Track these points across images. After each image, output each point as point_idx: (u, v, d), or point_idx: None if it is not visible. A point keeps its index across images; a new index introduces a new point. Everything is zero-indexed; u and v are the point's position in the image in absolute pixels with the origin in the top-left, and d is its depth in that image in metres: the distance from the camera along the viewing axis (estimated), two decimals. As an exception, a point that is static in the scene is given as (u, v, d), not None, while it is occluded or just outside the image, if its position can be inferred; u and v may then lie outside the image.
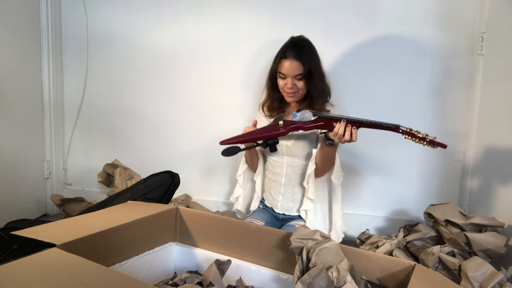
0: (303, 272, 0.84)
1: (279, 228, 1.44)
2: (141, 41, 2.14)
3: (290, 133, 1.45)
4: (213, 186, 2.11)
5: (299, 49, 1.39)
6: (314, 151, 1.39)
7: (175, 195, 1.93)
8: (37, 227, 0.93)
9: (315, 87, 1.40)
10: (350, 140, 1.24)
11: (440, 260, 1.28)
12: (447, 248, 1.34)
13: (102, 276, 0.67)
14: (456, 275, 1.20)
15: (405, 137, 1.22)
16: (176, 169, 1.55)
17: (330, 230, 1.47)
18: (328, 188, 1.48)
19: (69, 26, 2.27)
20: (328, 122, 1.27)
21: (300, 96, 1.43)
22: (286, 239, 0.96)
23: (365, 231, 1.69)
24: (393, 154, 1.83)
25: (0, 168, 1.95)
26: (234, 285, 1.03)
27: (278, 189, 1.51)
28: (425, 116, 1.78)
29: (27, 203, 2.15)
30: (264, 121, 1.50)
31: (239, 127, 1.51)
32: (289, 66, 1.37)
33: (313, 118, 1.29)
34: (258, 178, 1.57)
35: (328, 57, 1.79)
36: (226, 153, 1.32)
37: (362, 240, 1.64)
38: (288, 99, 1.44)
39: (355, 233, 1.76)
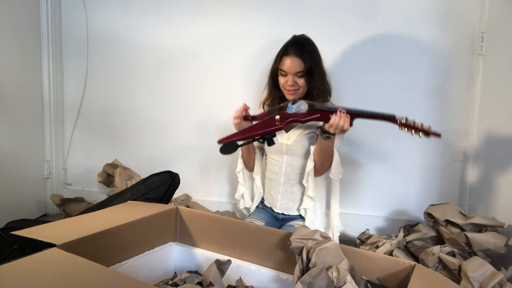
0: (303, 272, 0.84)
1: (279, 228, 1.44)
2: (141, 41, 2.14)
3: (291, 131, 1.47)
4: (213, 186, 2.11)
5: (300, 46, 1.40)
6: (312, 148, 1.39)
7: (175, 195, 1.93)
8: (37, 227, 0.93)
9: (316, 85, 1.40)
10: (344, 129, 1.24)
11: (440, 260, 1.28)
12: (447, 248, 1.34)
13: (102, 276, 0.67)
14: (456, 275, 1.20)
15: (400, 129, 1.21)
16: (176, 169, 1.55)
17: (327, 228, 1.47)
18: (327, 186, 1.48)
19: (69, 27, 2.27)
20: (325, 114, 1.27)
21: (300, 94, 1.43)
22: (286, 239, 0.96)
23: (365, 231, 1.69)
24: (393, 154, 1.83)
25: (0, 168, 1.95)
26: (234, 285, 1.03)
27: (277, 189, 1.51)
28: (425, 115, 1.77)
29: (27, 203, 2.15)
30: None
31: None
32: (290, 63, 1.38)
33: (308, 110, 1.29)
34: (257, 177, 1.57)
35: (328, 56, 1.79)
36: (223, 150, 1.31)
37: (362, 240, 1.64)
38: (288, 96, 1.44)
39: (355, 233, 1.76)
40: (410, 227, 1.59)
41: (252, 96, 1.94)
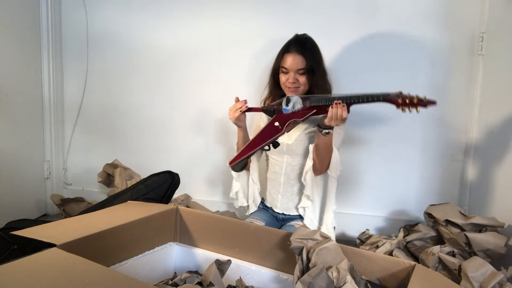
0: (303, 272, 0.84)
1: (279, 228, 1.44)
2: (141, 41, 2.14)
3: (292, 131, 1.47)
4: (213, 186, 2.11)
5: (302, 44, 1.41)
6: (311, 146, 1.39)
7: (175, 195, 1.93)
8: (37, 227, 0.93)
9: (317, 83, 1.40)
10: (344, 118, 1.24)
11: (440, 260, 1.28)
12: (447, 248, 1.34)
13: (102, 276, 0.67)
14: (456, 275, 1.20)
15: (398, 108, 1.21)
16: (176, 169, 1.55)
17: (320, 224, 1.45)
18: (324, 185, 1.46)
19: (69, 27, 2.27)
20: (321, 107, 1.28)
21: (301, 92, 1.43)
22: (286, 239, 0.96)
23: (365, 231, 1.69)
24: (393, 154, 1.83)
25: (0, 168, 1.95)
26: (234, 285, 1.03)
27: (278, 189, 1.51)
28: (425, 115, 1.78)
29: (27, 203, 2.15)
30: (265, 118, 1.52)
31: (239, 127, 1.50)
32: (292, 60, 1.39)
33: (302, 106, 1.30)
34: (254, 172, 1.53)
35: (328, 55, 1.79)
36: (235, 169, 1.42)
37: (362, 240, 1.64)
38: (289, 94, 1.44)
39: (355, 233, 1.76)
40: (410, 227, 1.59)
41: (252, 96, 1.94)
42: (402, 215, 1.84)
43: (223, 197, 2.09)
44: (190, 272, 1.04)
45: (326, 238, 0.90)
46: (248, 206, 1.57)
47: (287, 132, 1.43)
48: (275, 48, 1.48)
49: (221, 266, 0.92)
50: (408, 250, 1.50)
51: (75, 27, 2.25)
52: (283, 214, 1.51)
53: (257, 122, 1.58)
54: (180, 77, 2.10)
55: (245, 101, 1.42)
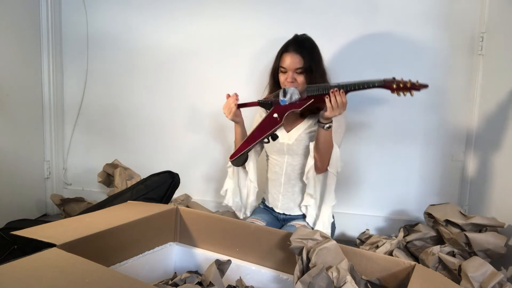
0: (303, 272, 0.84)
1: (280, 228, 1.44)
2: (141, 41, 2.14)
3: (292, 131, 1.47)
4: (213, 186, 2.11)
5: (300, 44, 1.42)
6: (311, 145, 1.38)
7: (175, 195, 1.93)
8: (37, 227, 0.93)
9: (315, 83, 1.40)
10: (344, 103, 1.25)
11: (440, 260, 1.28)
12: (447, 248, 1.34)
13: (102, 276, 0.67)
14: (456, 275, 1.20)
15: (392, 93, 1.21)
16: (176, 169, 1.55)
17: (317, 218, 1.43)
18: (324, 180, 1.44)
19: (69, 27, 2.27)
20: (318, 97, 1.29)
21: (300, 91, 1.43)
22: (286, 239, 0.96)
23: (365, 231, 1.69)
24: (393, 154, 1.83)
25: (0, 168, 1.95)
26: (234, 285, 1.03)
27: (278, 189, 1.51)
28: (425, 115, 1.78)
29: (27, 203, 2.15)
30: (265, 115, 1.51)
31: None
32: (290, 59, 1.39)
33: (299, 96, 1.31)
34: (251, 172, 1.51)
35: (328, 56, 1.79)
36: (236, 163, 1.40)
37: (362, 240, 1.64)
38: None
39: (355, 233, 1.76)
40: (410, 227, 1.59)
41: (252, 96, 1.93)
42: (402, 215, 1.84)
43: (223, 198, 2.08)
44: (190, 272, 1.04)
45: (326, 238, 0.90)
46: (241, 209, 1.57)
47: (287, 127, 1.44)
48: (275, 48, 1.48)
49: (221, 266, 0.92)
50: (408, 250, 1.50)
51: (75, 27, 2.25)
52: (284, 214, 1.51)
53: (257, 120, 1.58)
54: (180, 77, 2.10)
55: (236, 94, 1.42)
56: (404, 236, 1.53)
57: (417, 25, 1.74)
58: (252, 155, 1.51)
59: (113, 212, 1.11)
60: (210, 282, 0.88)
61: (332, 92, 1.24)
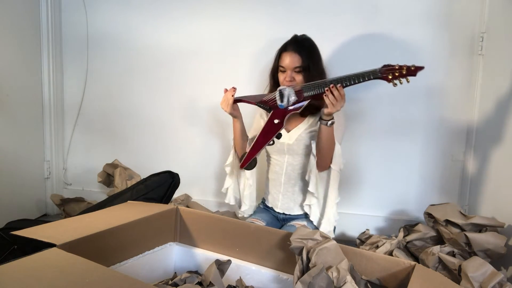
0: (303, 272, 0.84)
1: (280, 228, 1.44)
2: (141, 41, 2.14)
3: (292, 131, 1.48)
4: (213, 186, 2.11)
5: (299, 43, 1.43)
6: (313, 143, 1.38)
7: (175, 195, 1.93)
8: (37, 227, 0.93)
9: None
10: (342, 95, 1.25)
11: (440, 260, 1.28)
12: (447, 248, 1.34)
13: (102, 276, 0.67)
14: (456, 275, 1.19)
15: (388, 82, 1.21)
16: (176, 169, 1.55)
17: (322, 217, 1.44)
18: (327, 178, 1.45)
19: (69, 27, 2.27)
20: (315, 97, 1.30)
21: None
22: (286, 239, 0.96)
23: (365, 231, 1.69)
24: (393, 154, 1.83)
25: (0, 168, 1.95)
26: (234, 285, 1.03)
27: (278, 188, 1.51)
28: (425, 116, 1.78)
29: (27, 203, 2.15)
30: (265, 116, 1.54)
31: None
32: (288, 58, 1.40)
33: (296, 98, 1.32)
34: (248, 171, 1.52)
35: (328, 56, 1.80)
36: (248, 168, 1.41)
37: (362, 240, 1.64)
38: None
39: (355, 233, 1.76)
40: (410, 227, 1.59)
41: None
42: (402, 215, 1.84)
43: (223, 197, 2.08)
44: (190, 272, 1.04)
45: (326, 238, 0.90)
46: (240, 205, 1.57)
47: (288, 127, 1.47)
48: (275, 48, 1.48)
49: (221, 266, 0.92)
50: (408, 250, 1.50)
51: (75, 27, 2.25)
52: (283, 214, 1.51)
53: (258, 120, 1.58)
54: (180, 77, 2.10)
55: (233, 88, 1.43)
56: (404, 236, 1.53)
57: (417, 25, 1.74)
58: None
59: (113, 212, 1.11)
60: (210, 282, 0.88)
61: (327, 90, 1.25)
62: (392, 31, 1.77)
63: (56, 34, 2.23)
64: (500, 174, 1.48)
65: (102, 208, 1.20)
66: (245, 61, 1.97)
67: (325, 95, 1.25)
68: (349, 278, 0.80)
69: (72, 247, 0.82)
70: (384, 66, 1.22)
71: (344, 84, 1.25)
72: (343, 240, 1.83)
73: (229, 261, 0.94)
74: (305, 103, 1.32)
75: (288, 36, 1.48)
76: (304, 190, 1.46)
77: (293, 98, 1.33)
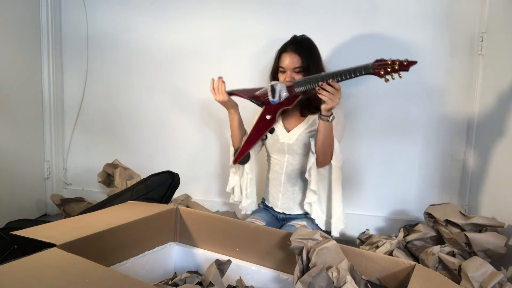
0: (303, 272, 0.84)
1: (279, 228, 1.44)
2: (141, 41, 2.14)
3: (292, 131, 1.48)
4: (213, 186, 2.11)
5: (299, 44, 1.43)
6: (312, 141, 1.38)
7: (175, 195, 1.93)
8: (37, 227, 0.93)
9: None
10: (337, 89, 1.25)
11: (440, 260, 1.28)
12: (447, 248, 1.34)
13: (102, 276, 0.67)
14: (456, 275, 1.19)
15: (380, 78, 1.21)
16: (176, 169, 1.55)
17: (330, 217, 1.44)
18: (329, 176, 1.45)
19: (69, 27, 2.27)
20: (307, 92, 1.32)
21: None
22: (286, 239, 0.96)
23: (365, 231, 1.69)
24: (393, 154, 1.83)
25: (0, 168, 1.95)
26: (234, 285, 1.03)
27: (278, 188, 1.51)
28: (425, 115, 1.78)
29: (27, 203, 2.15)
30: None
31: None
32: (288, 59, 1.41)
33: (287, 93, 1.34)
34: (248, 166, 1.51)
35: (328, 56, 1.80)
36: (241, 162, 1.44)
37: (362, 240, 1.64)
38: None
39: (355, 233, 1.75)
40: (410, 227, 1.59)
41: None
42: (402, 215, 1.84)
43: (223, 197, 2.09)
44: (190, 272, 1.04)
45: (326, 238, 0.90)
46: (246, 206, 1.56)
47: (288, 127, 1.49)
48: (275, 48, 1.48)
49: (221, 266, 0.92)
50: (408, 250, 1.50)
51: (75, 27, 2.25)
52: (283, 213, 1.51)
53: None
54: (180, 77, 2.10)
55: (220, 77, 1.45)
56: (404, 236, 1.53)
57: (417, 25, 1.74)
58: (252, 156, 1.52)
59: (113, 212, 1.11)
60: (210, 282, 0.88)
61: (318, 89, 1.25)
62: (392, 31, 1.77)
63: (56, 34, 2.23)
64: (500, 174, 1.48)
65: (102, 208, 1.20)
66: (245, 61, 1.97)
67: (319, 93, 1.25)
68: (349, 278, 0.80)
69: (72, 247, 0.82)
70: (377, 61, 1.22)
71: (336, 80, 1.25)
72: (343, 240, 1.83)
73: (229, 261, 0.94)
74: (297, 99, 1.35)
75: (288, 36, 1.48)
76: (304, 190, 1.46)
77: (284, 93, 1.34)
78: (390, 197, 1.85)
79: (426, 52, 1.74)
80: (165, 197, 1.47)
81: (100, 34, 2.21)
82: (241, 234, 1.06)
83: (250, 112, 1.61)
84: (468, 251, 1.32)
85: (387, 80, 1.21)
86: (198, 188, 2.11)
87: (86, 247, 0.88)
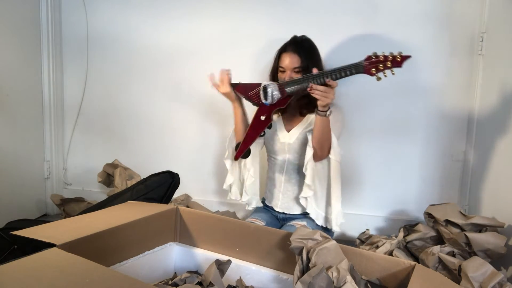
0: (303, 272, 0.84)
1: (279, 228, 1.44)
2: (141, 41, 2.14)
3: (292, 130, 1.49)
4: (213, 186, 2.11)
5: (298, 44, 1.44)
6: (309, 135, 1.38)
7: (175, 195, 1.93)
8: (37, 227, 0.93)
9: None
10: (331, 90, 1.26)
11: (440, 260, 1.28)
12: (447, 248, 1.34)
13: (102, 276, 0.67)
14: (456, 275, 1.19)
15: (372, 76, 1.21)
16: (176, 169, 1.55)
17: (330, 213, 1.43)
18: (328, 172, 1.43)
19: (69, 27, 2.27)
20: (298, 92, 1.34)
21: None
22: (286, 239, 0.96)
23: (365, 231, 1.69)
24: (393, 154, 1.83)
25: (0, 168, 1.95)
26: (234, 285, 1.03)
27: (279, 188, 1.51)
28: (425, 115, 1.78)
29: (27, 203, 2.15)
30: None
31: (239, 127, 1.50)
32: (288, 59, 1.41)
33: (280, 96, 1.36)
34: (249, 164, 1.51)
35: (327, 56, 1.80)
36: (243, 157, 1.46)
37: (362, 240, 1.64)
38: (294, 98, 1.44)
39: (355, 233, 1.76)
40: (410, 227, 1.59)
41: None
42: (402, 215, 1.84)
43: (223, 197, 2.08)
44: (190, 272, 1.04)
45: (326, 238, 0.90)
46: (247, 201, 1.56)
47: (287, 126, 1.51)
48: (275, 48, 1.48)
49: (221, 266, 0.92)
50: (408, 250, 1.50)
51: (75, 27, 2.25)
52: (283, 213, 1.51)
53: None
54: (180, 77, 2.09)
55: (226, 70, 1.45)
56: (404, 236, 1.53)
57: (417, 25, 1.74)
58: (252, 147, 1.51)
59: (113, 212, 1.11)
60: (210, 282, 0.88)
61: (309, 89, 1.26)
62: (392, 31, 1.77)
63: (56, 34, 2.23)
64: (500, 174, 1.48)
65: (102, 208, 1.20)
66: (245, 61, 1.97)
67: (312, 93, 1.26)
68: (349, 278, 0.80)
69: (72, 247, 0.82)
70: (369, 57, 1.21)
71: (325, 81, 1.26)
72: (343, 240, 1.83)
73: (229, 261, 0.94)
74: (289, 100, 1.37)
75: (288, 37, 1.48)
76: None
77: (276, 93, 1.35)
78: (390, 197, 1.85)
79: (426, 52, 1.74)
80: (165, 197, 1.47)
81: (100, 34, 2.21)
82: (241, 234, 1.06)
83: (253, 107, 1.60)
84: (468, 251, 1.32)
85: (379, 79, 1.21)
86: (198, 188, 2.11)
87: (86, 247, 0.88)
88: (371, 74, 1.21)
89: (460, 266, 1.17)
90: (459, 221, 1.37)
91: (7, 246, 1.20)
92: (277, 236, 0.99)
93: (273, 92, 1.35)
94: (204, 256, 1.11)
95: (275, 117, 1.56)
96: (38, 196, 2.23)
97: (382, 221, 1.86)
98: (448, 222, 1.40)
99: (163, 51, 2.10)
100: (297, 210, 1.49)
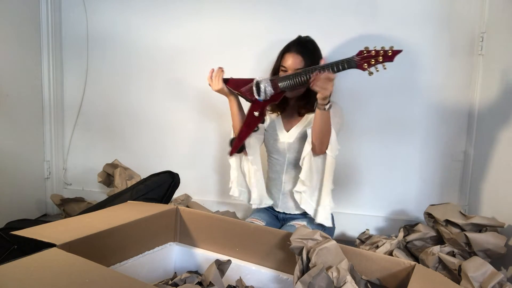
0: (303, 272, 0.84)
1: (279, 228, 1.44)
2: (141, 41, 2.14)
3: (292, 130, 1.49)
4: (212, 185, 2.11)
5: (302, 45, 1.43)
6: (309, 130, 1.38)
7: (175, 195, 1.93)
8: (37, 227, 0.93)
9: None
10: (328, 77, 1.25)
11: (440, 260, 1.28)
12: (447, 248, 1.34)
13: (102, 276, 0.67)
14: (456, 275, 1.20)
15: (363, 71, 1.21)
16: (176, 169, 1.55)
17: (318, 205, 1.41)
18: (322, 167, 1.42)
19: (69, 26, 2.27)
20: (292, 87, 1.35)
21: (301, 92, 1.44)
22: (286, 239, 0.96)
23: (365, 231, 1.69)
24: (393, 154, 1.83)
25: (0, 168, 1.95)
26: (234, 285, 1.03)
27: (279, 188, 1.51)
28: (424, 115, 1.78)
29: (27, 203, 2.15)
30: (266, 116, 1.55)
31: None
32: (291, 59, 1.41)
33: (274, 91, 1.37)
34: (252, 163, 1.49)
35: (327, 56, 1.80)
36: (238, 152, 1.46)
37: (362, 240, 1.64)
38: (287, 94, 1.44)
39: (355, 233, 1.76)
40: (410, 227, 1.59)
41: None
42: (402, 215, 1.84)
43: (223, 197, 2.09)
44: (190, 272, 1.04)
45: (326, 238, 0.90)
46: (249, 197, 1.53)
47: (287, 126, 1.52)
48: (276, 48, 1.48)
49: (221, 266, 0.92)
50: (408, 250, 1.50)
51: (75, 27, 2.25)
52: (283, 213, 1.51)
53: None
54: (180, 77, 2.10)
55: (220, 67, 1.47)
56: (404, 236, 1.53)
57: (417, 25, 1.74)
58: (252, 142, 1.50)
59: (113, 212, 1.11)
60: (210, 282, 0.88)
61: (311, 80, 1.27)
62: (392, 31, 1.77)
63: (56, 34, 2.23)
64: (500, 174, 1.48)
65: (102, 208, 1.20)
66: (245, 61, 1.97)
67: (312, 86, 1.27)
68: (349, 278, 0.80)
69: (72, 247, 0.82)
70: (360, 52, 1.22)
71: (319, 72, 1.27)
72: (343, 240, 1.83)
73: (229, 261, 0.94)
74: (282, 95, 1.37)
75: (288, 37, 1.48)
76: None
77: (269, 89, 1.36)
78: (390, 197, 1.85)
79: (426, 52, 1.74)
80: (165, 197, 1.47)
81: (100, 34, 2.21)
82: (241, 234, 1.06)
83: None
84: (468, 251, 1.32)
85: (371, 73, 1.21)
86: (198, 188, 2.11)
87: (86, 247, 0.88)
88: (363, 69, 1.21)
89: (460, 266, 1.17)
90: (459, 221, 1.37)
91: (7, 246, 1.20)
92: (277, 236, 0.99)
93: (266, 88, 1.36)
94: (204, 256, 1.11)
95: (274, 116, 1.56)
96: (38, 196, 2.23)
97: (382, 221, 1.86)
98: (448, 222, 1.40)
99: (163, 51, 2.10)
100: (297, 210, 1.49)
